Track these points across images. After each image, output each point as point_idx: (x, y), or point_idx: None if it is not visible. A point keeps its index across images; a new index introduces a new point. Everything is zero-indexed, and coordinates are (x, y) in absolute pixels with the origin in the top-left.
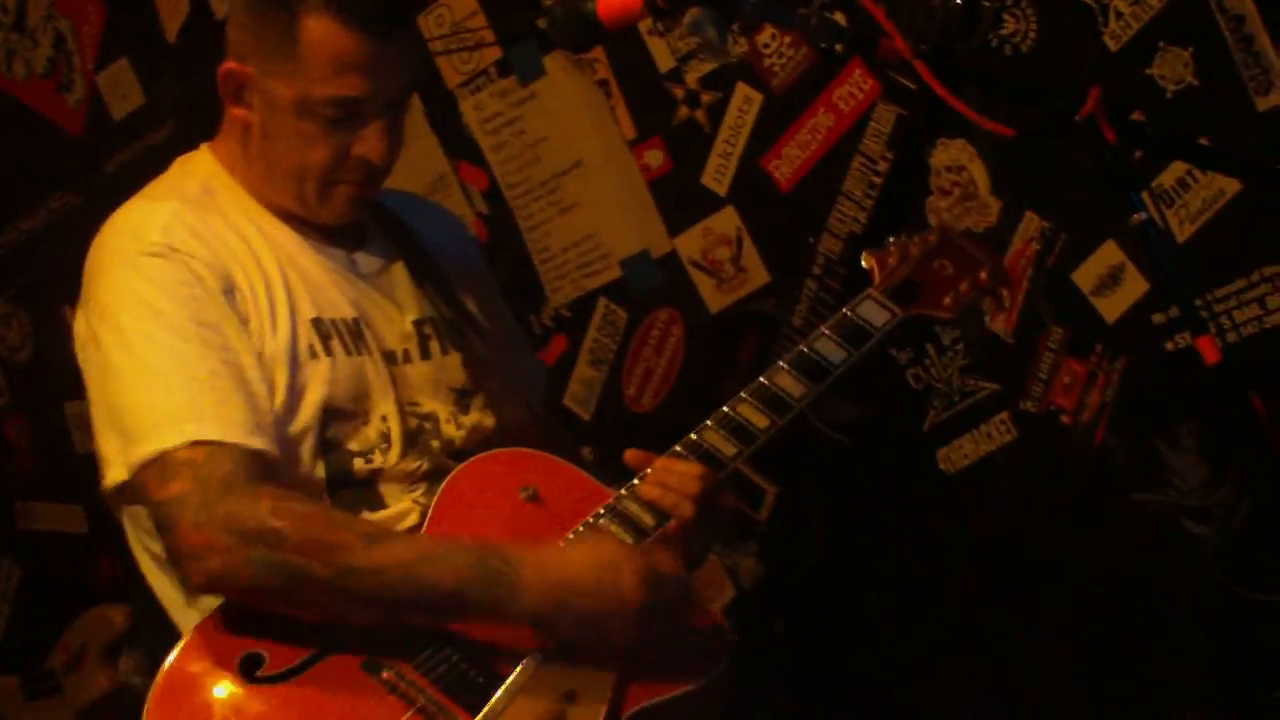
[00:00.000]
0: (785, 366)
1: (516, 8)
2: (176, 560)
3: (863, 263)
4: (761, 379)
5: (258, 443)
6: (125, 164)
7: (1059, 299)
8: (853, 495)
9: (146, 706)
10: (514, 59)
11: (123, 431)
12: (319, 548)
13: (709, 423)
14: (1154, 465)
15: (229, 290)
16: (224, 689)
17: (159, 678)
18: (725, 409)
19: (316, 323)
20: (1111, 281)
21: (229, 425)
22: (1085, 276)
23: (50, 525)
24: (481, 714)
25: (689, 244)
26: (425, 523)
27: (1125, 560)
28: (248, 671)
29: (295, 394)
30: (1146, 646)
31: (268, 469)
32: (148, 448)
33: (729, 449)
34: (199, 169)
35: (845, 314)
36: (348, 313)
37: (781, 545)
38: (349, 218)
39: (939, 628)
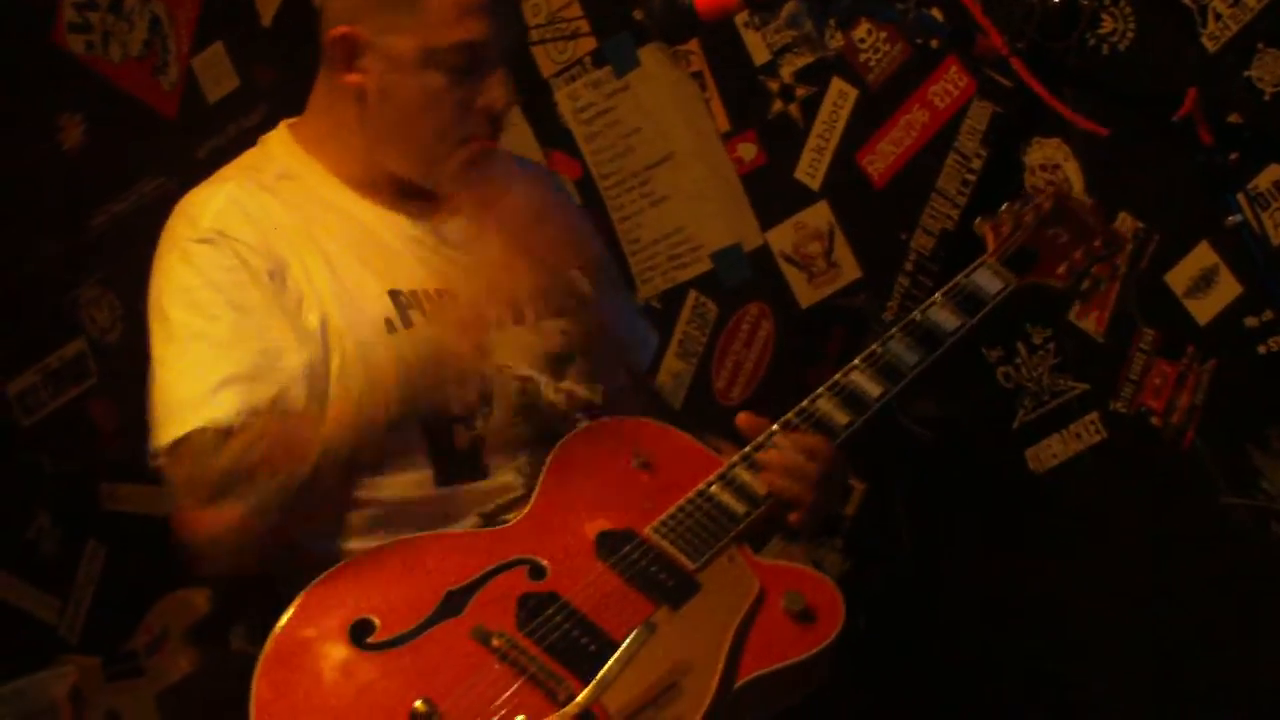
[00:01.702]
0: (899, 334)
1: None
2: (188, 543)
3: (975, 230)
4: (875, 347)
5: None
6: (218, 148)
7: (1152, 300)
8: (940, 493)
9: (256, 672)
10: (609, 50)
11: (154, 417)
12: (285, 456)
13: (822, 391)
14: (1243, 468)
15: (278, 273)
16: (335, 655)
17: (269, 644)
18: (838, 377)
19: (394, 295)
20: (1205, 283)
21: (242, 413)
22: (1179, 278)
23: (135, 507)
24: (594, 682)
25: (781, 238)
26: (537, 489)
27: (1213, 563)
28: (358, 638)
29: (373, 366)
30: (1233, 649)
31: None
32: (169, 433)
33: (842, 417)
34: (275, 150)
35: (960, 281)
36: (428, 283)
37: (867, 541)
38: (471, 176)
39: (1021, 628)
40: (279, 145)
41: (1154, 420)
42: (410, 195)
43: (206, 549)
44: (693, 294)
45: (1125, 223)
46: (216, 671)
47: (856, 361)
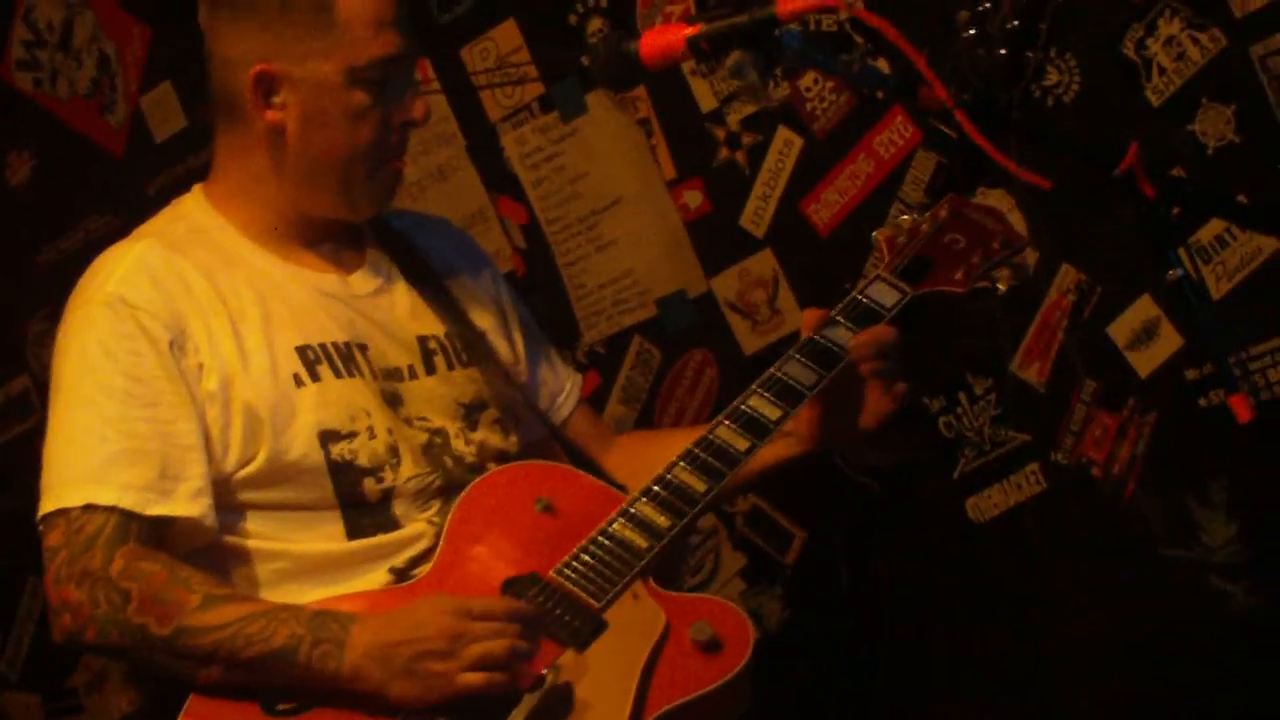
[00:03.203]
0: (796, 356)
1: (561, 45)
2: (51, 607)
3: (872, 242)
4: (773, 370)
5: (157, 509)
6: (165, 187)
7: (1093, 351)
8: (880, 541)
9: None
10: (557, 95)
11: (42, 481)
12: (157, 607)
13: (720, 419)
14: (1183, 521)
15: (178, 342)
16: None
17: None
18: (737, 403)
19: (302, 350)
20: (1146, 336)
21: (126, 489)
22: (1120, 330)
23: None
24: None
25: (725, 285)
26: (441, 541)
27: (1152, 615)
28: (269, 707)
29: (282, 423)
30: (1172, 703)
31: (167, 532)
32: (49, 504)
33: (741, 443)
34: (189, 209)
35: (855, 297)
36: (339, 336)
37: (807, 589)
38: (388, 202)
39: (963, 677)
40: (191, 205)
41: (1094, 471)
42: (318, 242)
43: (61, 622)
44: (637, 339)
45: (1068, 275)
46: (155, 712)
47: (754, 386)
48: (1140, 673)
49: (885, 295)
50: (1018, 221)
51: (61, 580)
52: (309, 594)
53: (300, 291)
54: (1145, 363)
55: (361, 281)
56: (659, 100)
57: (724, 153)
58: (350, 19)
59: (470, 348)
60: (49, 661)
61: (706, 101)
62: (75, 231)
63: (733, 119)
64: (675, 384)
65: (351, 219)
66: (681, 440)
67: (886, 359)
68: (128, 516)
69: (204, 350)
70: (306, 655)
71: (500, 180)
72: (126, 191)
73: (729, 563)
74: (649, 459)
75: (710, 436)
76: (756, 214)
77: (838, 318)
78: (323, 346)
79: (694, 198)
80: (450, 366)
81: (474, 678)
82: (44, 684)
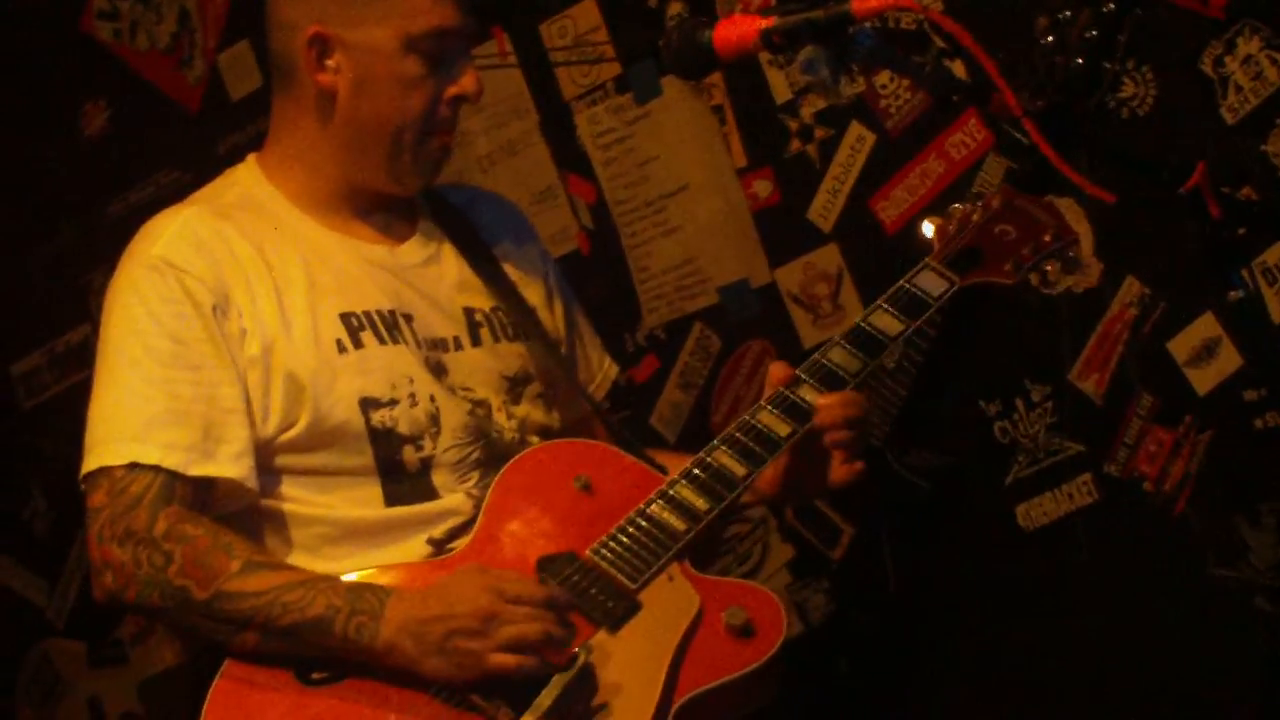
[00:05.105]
0: (840, 341)
1: (641, 26)
2: (92, 565)
3: (923, 230)
4: (817, 356)
5: (200, 469)
6: (238, 145)
7: (1152, 366)
8: (929, 542)
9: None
10: (632, 77)
11: (86, 440)
12: (198, 570)
13: (762, 404)
14: (1232, 541)
15: (221, 306)
16: (283, 691)
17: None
18: (783, 389)
19: (345, 317)
20: (1206, 354)
21: (170, 449)
22: (1181, 346)
23: None
24: (529, 711)
25: (789, 277)
26: (480, 516)
27: (1195, 632)
28: (303, 676)
29: (324, 389)
30: None
31: (209, 494)
32: (93, 462)
33: (783, 428)
34: (241, 177)
35: (902, 285)
36: (383, 304)
37: (853, 585)
38: (435, 176)
39: (1002, 682)
40: (244, 173)
41: (1146, 486)
42: (369, 212)
43: (102, 581)
44: (698, 326)
45: (1132, 287)
46: (200, 665)
47: (798, 372)
48: (1180, 690)
49: (933, 285)
50: (1085, 232)
51: (104, 539)
52: (346, 560)
53: (347, 260)
54: (1204, 381)
55: (410, 252)
56: (734, 88)
57: (796, 144)
58: None
59: (517, 323)
60: (96, 611)
61: (781, 92)
62: (145, 185)
63: (806, 111)
64: (733, 372)
65: (398, 192)
66: (686, 461)
67: (852, 429)
68: (171, 477)
69: (247, 315)
70: (343, 626)
71: (571, 158)
72: (198, 148)
73: (777, 554)
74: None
75: (752, 420)
76: (825, 208)
77: (883, 305)
78: (367, 314)
79: (764, 187)
80: (496, 339)
81: (506, 658)
82: (91, 633)
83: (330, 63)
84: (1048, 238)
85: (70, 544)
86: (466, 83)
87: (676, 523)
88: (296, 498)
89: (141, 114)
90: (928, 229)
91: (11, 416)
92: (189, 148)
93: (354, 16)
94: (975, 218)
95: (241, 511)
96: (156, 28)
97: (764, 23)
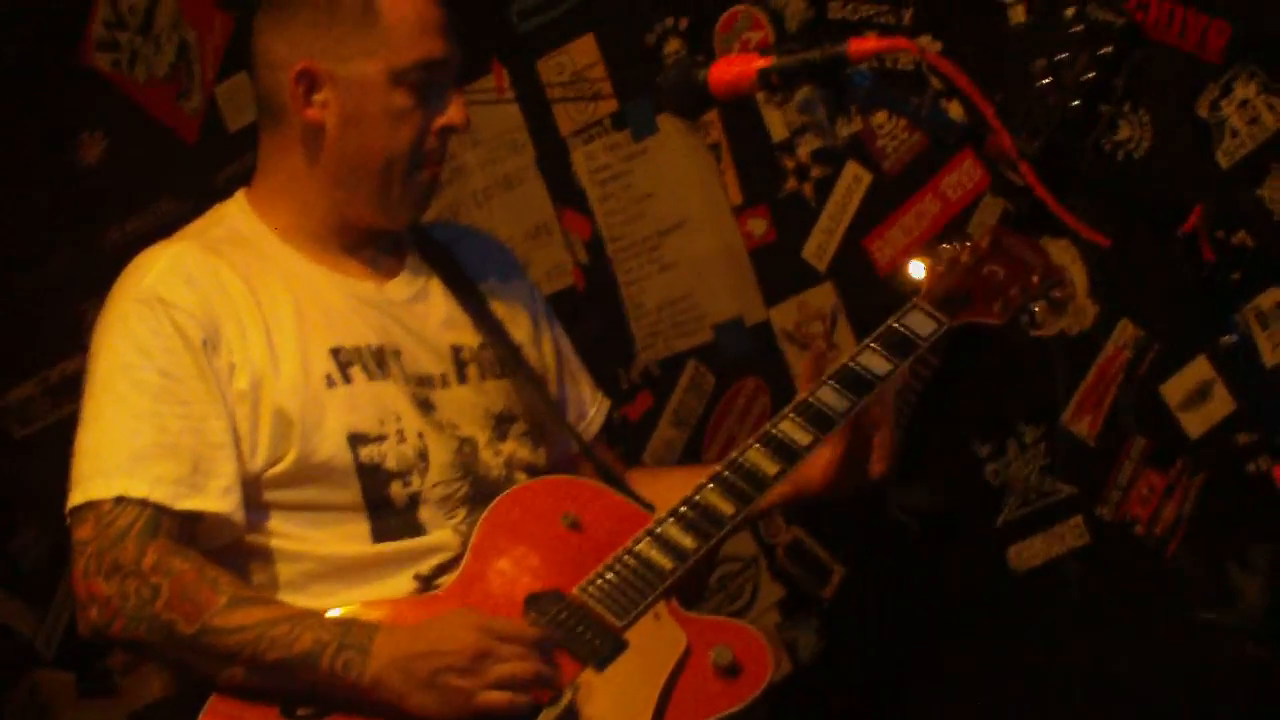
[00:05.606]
0: (829, 382)
1: (638, 63)
2: (77, 600)
3: (911, 270)
4: (806, 396)
5: (188, 503)
6: (235, 176)
7: (1145, 409)
8: (919, 582)
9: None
10: (629, 113)
11: (72, 474)
12: (185, 604)
13: (751, 441)
14: (1223, 584)
15: (211, 341)
16: None
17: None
18: (768, 427)
19: (335, 352)
20: (1199, 397)
21: (158, 483)
22: (1174, 390)
23: None
24: None
25: (783, 315)
26: (468, 552)
27: (1185, 676)
28: (289, 712)
29: (312, 424)
30: None
31: (196, 528)
32: (79, 496)
33: (771, 467)
34: (230, 213)
35: (891, 325)
36: (371, 340)
37: (843, 624)
38: (425, 208)
39: None
40: (233, 209)
41: (1138, 529)
42: (357, 248)
43: (88, 615)
44: (692, 363)
45: (1126, 330)
46: (189, 697)
47: (787, 411)
48: None
49: (922, 325)
50: (1079, 273)
51: (90, 573)
52: (333, 596)
53: (335, 295)
54: (1196, 424)
55: (398, 289)
56: (731, 125)
57: (792, 183)
58: (396, 21)
59: (504, 360)
60: (86, 642)
61: (778, 130)
62: (143, 215)
63: (803, 150)
64: (727, 410)
65: (387, 226)
66: (689, 479)
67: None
68: (159, 511)
69: (236, 350)
70: (330, 661)
71: (567, 194)
72: (196, 179)
73: (767, 593)
74: (654, 494)
75: (740, 459)
76: (820, 247)
77: (872, 345)
78: (356, 349)
79: (759, 225)
80: (483, 377)
81: (496, 696)
82: (80, 663)
83: (318, 98)
84: (1035, 279)
85: (60, 574)
86: (454, 113)
87: (664, 561)
88: (283, 533)
89: (139, 144)
90: (916, 269)
91: (3, 446)
92: (187, 178)
93: (341, 52)
94: (964, 258)
95: (228, 546)
96: (155, 58)
97: (761, 62)
